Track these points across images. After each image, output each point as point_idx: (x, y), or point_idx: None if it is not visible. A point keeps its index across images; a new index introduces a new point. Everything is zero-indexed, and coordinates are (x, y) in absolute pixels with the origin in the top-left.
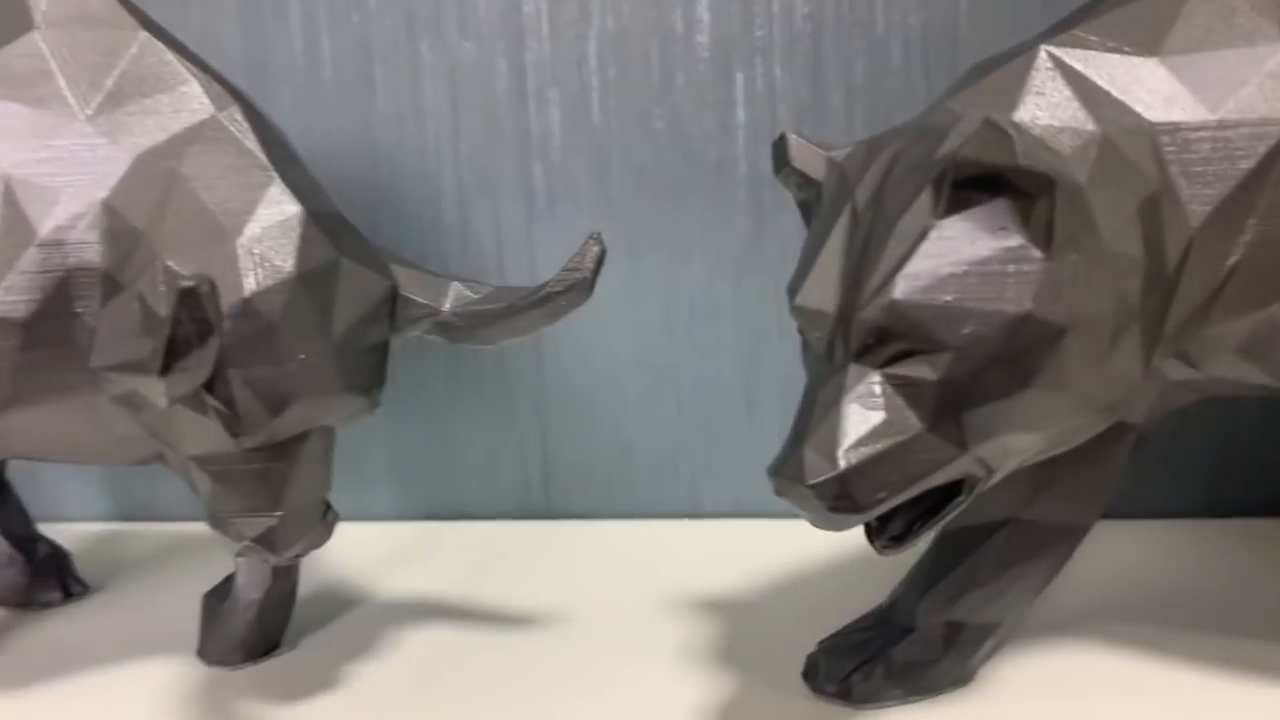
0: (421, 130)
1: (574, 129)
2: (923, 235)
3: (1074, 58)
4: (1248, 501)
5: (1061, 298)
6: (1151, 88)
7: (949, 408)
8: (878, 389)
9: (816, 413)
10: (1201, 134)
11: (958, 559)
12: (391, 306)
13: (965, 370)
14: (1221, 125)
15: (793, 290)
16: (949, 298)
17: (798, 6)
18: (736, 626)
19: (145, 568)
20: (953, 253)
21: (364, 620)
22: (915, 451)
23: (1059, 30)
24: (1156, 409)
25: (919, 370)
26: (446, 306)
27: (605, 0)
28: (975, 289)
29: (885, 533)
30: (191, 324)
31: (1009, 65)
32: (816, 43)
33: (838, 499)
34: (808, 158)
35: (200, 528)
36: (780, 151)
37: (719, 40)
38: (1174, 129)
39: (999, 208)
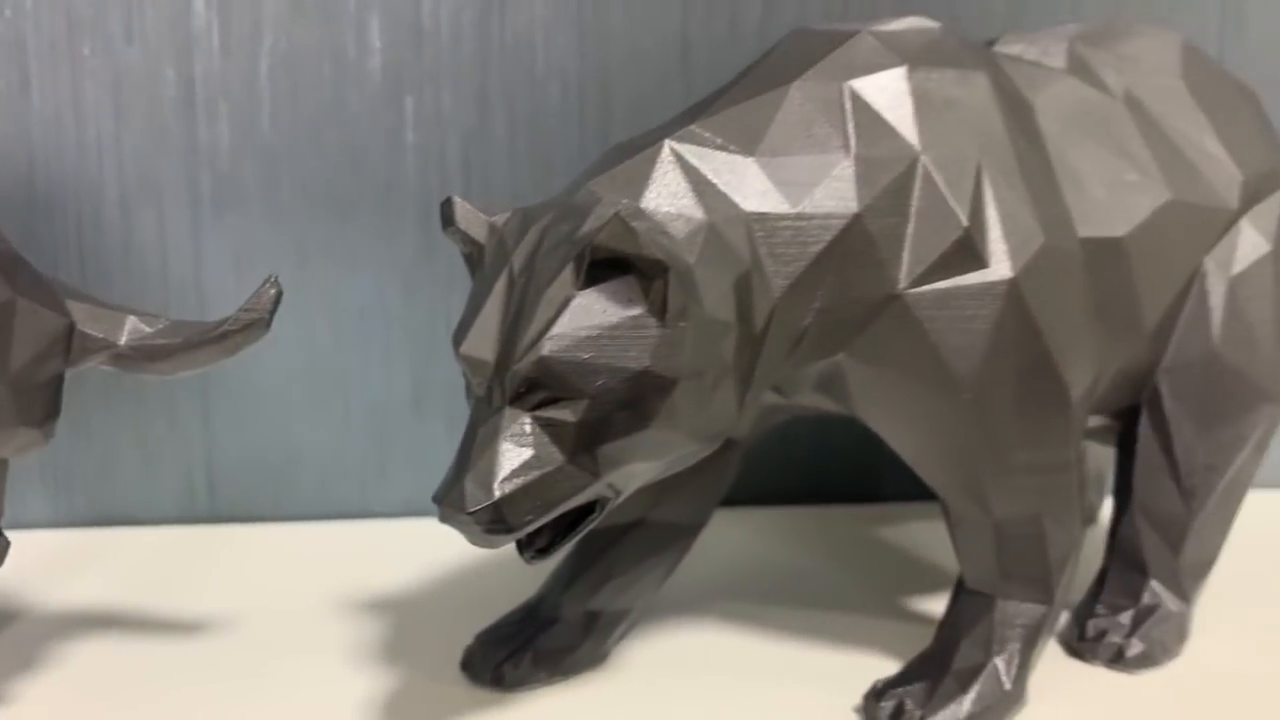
0: (82, 130)
1: (243, 141)
2: (566, 303)
3: (690, 153)
4: (842, 489)
5: (673, 357)
6: (748, 182)
7: (585, 444)
8: (528, 429)
9: (476, 449)
10: (784, 223)
11: (596, 556)
12: (68, 342)
13: (598, 414)
14: (799, 216)
15: (457, 340)
16: (586, 356)
17: (465, 41)
18: (402, 623)
19: None
20: (590, 319)
21: (21, 636)
22: (558, 480)
23: (681, 124)
24: (761, 425)
25: (562, 414)
26: (123, 340)
27: (279, 20)
28: (607, 349)
29: (533, 546)
30: None
31: (639, 155)
32: (483, 75)
33: (493, 523)
34: (470, 220)
35: None
36: (447, 213)
37: (389, 65)
38: (763, 218)
39: (626, 284)
